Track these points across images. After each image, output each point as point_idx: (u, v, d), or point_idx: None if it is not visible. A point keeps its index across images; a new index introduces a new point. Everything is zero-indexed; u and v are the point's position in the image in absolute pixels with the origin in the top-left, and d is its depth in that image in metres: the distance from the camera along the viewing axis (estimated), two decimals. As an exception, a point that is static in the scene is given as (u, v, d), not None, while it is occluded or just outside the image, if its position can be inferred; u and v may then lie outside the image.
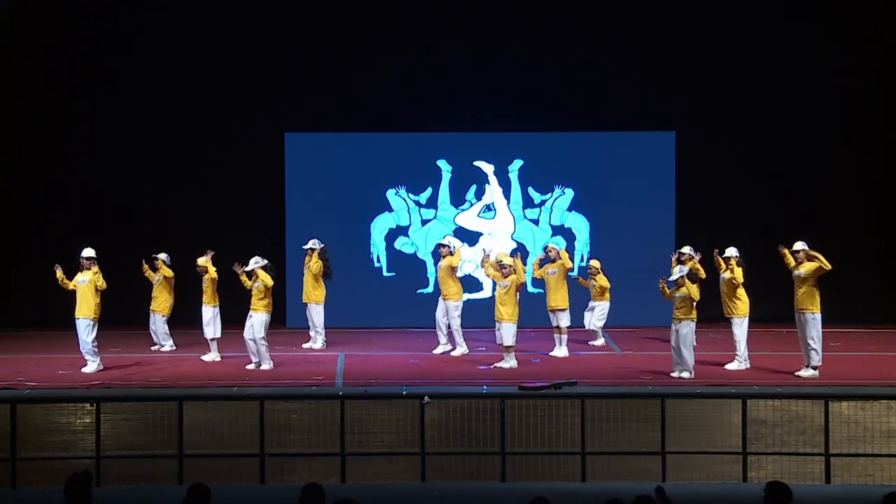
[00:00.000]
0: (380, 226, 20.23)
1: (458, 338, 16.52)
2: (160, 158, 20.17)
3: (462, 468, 13.20)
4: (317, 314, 17.40)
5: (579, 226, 20.24)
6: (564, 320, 16.61)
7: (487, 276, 16.81)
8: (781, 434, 13.14)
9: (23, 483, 12.99)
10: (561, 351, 16.61)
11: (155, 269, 17.07)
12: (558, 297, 16.64)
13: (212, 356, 16.20)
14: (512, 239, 20.18)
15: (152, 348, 17.09)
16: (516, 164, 20.23)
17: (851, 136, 20.22)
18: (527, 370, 15.36)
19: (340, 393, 13.55)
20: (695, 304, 14.57)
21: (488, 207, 20.31)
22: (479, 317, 17.87)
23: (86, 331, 15.00)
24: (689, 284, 14.54)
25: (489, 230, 20.28)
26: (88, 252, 15.30)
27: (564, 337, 16.66)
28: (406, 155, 20.30)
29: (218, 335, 16.27)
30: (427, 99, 20.02)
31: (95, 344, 15.10)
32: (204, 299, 16.33)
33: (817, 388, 13.66)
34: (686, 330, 14.50)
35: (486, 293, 19.69)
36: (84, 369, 15.06)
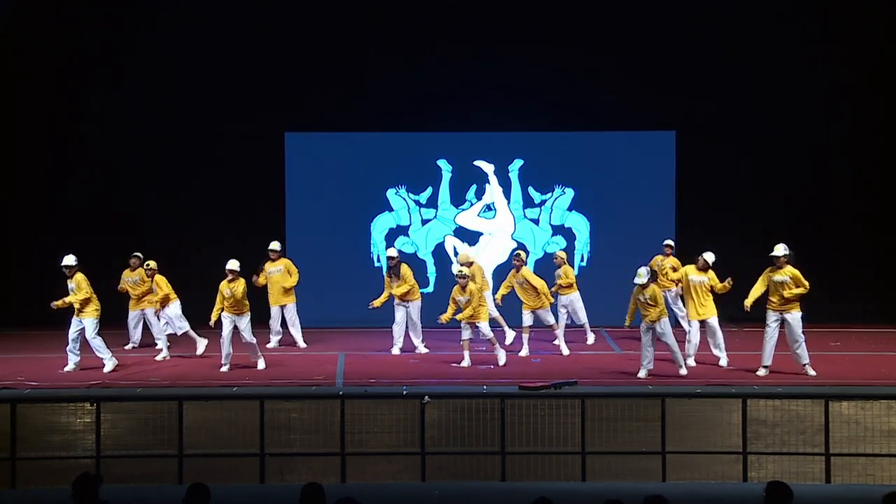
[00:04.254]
0: (380, 225, 20.23)
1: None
2: (160, 158, 20.17)
3: (462, 468, 13.21)
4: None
5: (579, 226, 20.25)
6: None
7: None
8: (781, 434, 13.15)
9: (23, 483, 13.01)
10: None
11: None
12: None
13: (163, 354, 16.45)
14: (512, 239, 20.19)
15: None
16: (516, 164, 20.24)
17: (851, 136, 20.22)
18: (527, 370, 15.37)
19: (340, 393, 13.56)
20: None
21: (488, 207, 20.31)
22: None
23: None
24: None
25: (489, 230, 20.29)
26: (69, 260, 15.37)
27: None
28: (406, 155, 20.29)
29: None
30: (427, 99, 20.01)
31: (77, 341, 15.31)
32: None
33: (817, 388, 13.68)
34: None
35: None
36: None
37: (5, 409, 13.09)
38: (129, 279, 16.97)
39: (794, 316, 14.60)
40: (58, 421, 13.16)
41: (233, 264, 15.50)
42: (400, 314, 17.01)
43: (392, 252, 17.22)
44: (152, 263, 16.68)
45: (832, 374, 14.62)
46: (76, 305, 15.21)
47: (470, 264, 16.96)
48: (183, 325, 16.63)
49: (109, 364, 15.27)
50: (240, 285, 15.45)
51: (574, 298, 17.36)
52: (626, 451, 13.19)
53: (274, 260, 17.54)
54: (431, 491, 12.88)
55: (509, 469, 13.20)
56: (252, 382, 14.42)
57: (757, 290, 14.74)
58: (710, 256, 15.57)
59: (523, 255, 17.40)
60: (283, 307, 17.49)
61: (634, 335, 17.75)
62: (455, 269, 19.29)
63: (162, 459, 13.09)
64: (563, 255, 17.68)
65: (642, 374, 14.74)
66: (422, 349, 16.99)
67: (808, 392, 13.47)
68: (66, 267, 15.33)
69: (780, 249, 14.67)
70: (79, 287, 15.24)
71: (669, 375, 14.68)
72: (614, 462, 13.19)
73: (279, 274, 17.48)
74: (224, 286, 15.45)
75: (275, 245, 17.66)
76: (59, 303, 15.41)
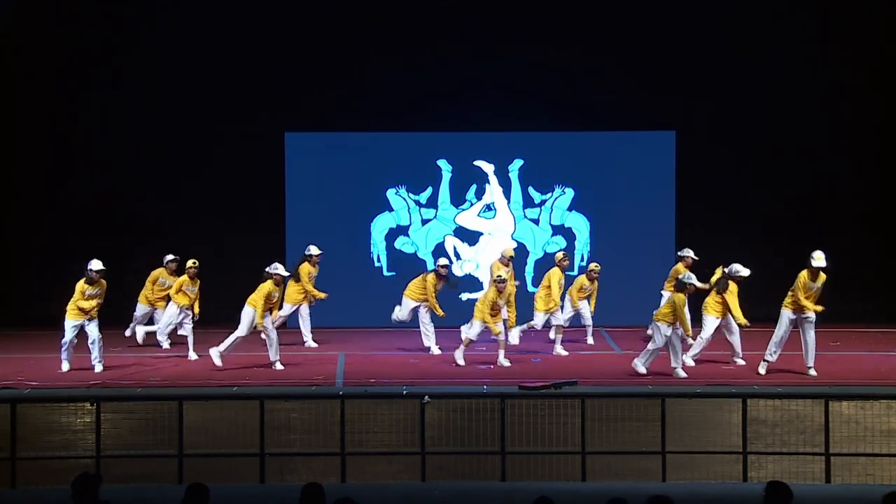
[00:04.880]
0: (380, 225, 20.23)
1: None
2: (160, 158, 20.17)
3: (462, 468, 13.21)
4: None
5: (579, 225, 20.25)
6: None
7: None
8: (781, 434, 13.15)
9: (23, 483, 13.00)
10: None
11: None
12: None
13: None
14: (512, 238, 20.18)
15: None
16: (516, 164, 20.24)
17: (852, 136, 20.22)
18: (527, 370, 15.37)
19: (340, 393, 13.55)
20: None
21: (488, 207, 20.31)
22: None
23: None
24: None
25: (489, 230, 20.29)
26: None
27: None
28: (406, 155, 20.30)
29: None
30: (427, 99, 20.01)
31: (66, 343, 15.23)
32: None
33: (817, 388, 13.68)
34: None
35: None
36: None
37: (5, 409, 13.08)
38: (168, 282, 16.93)
39: (812, 317, 14.65)
40: (58, 421, 13.15)
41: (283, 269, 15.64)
42: (425, 313, 16.96)
43: (445, 261, 17.22)
44: (196, 262, 16.66)
45: (832, 374, 14.62)
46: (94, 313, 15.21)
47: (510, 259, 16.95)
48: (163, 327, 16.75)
49: (65, 366, 15.20)
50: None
51: (586, 303, 17.49)
52: (626, 451, 13.18)
53: (316, 264, 17.51)
54: (431, 491, 12.88)
55: (509, 469, 13.20)
56: (252, 382, 14.41)
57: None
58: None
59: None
60: (299, 306, 17.51)
61: (636, 335, 17.80)
62: (456, 269, 19.31)
63: (162, 459, 13.08)
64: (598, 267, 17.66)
65: (680, 373, 14.72)
66: (436, 350, 16.92)
67: (808, 392, 13.47)
68: (99, 272, 15.20)
69: (824, 258, 14.65)
70: (103, 291, 15.24)
71: (669, 375, 14.67)
72: (614, 462, 13.18)
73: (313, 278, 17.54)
74: (275, 289, 15.44)
75: (318, 250, 17.59)
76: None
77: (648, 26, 19.93)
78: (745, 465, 13.12)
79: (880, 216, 20.25)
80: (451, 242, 20.23)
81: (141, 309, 17.34)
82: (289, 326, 17.67)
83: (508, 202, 20.29)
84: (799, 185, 20.18)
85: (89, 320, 15.10)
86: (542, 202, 20.30)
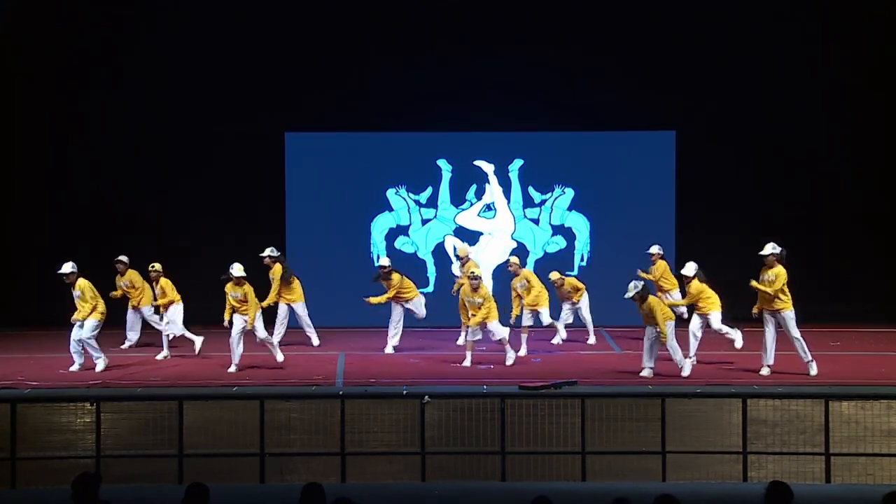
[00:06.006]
0: (380, 225, 20.24)
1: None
2: (159, 158, 20.18)
3: (462, 468, 13.21)
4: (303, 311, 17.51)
5: (579, 225, 20.26)
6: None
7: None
8: (781, 434, 13.15)
9: (23, 483, 13.00)
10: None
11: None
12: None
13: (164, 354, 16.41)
14: (512, 238, 20.20)
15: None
16: (516, 164, 20.24)
17: (851, 136, 20.22)
18: (527, 370, 15.37)
19: (340, 393, 13.56)
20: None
21: (488, 207, 20.31)
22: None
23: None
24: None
25: (489, 230, 20.29)
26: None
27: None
28: (406, 155, 20.31)
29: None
30: (427, 99, 20.01)
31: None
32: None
33: (817, 388, 13.67)
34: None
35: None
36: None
37: (5, 409, 13.08)
38: (123, 283, 16.96)
39: (785, 315, 14.59)
40: (58, 421, 13.15)
41: (238, 270, 15.45)
42: (397, 312, 16.97)
43: (384, 262, 17.17)
44: (157, 266, 16.61)
45: (832, 374, 14.62)
46: (80, 317, 15.10)
47: (467, 259, 17.07)
48: (176, 329, 16.56)
49: (100, 364, 15.19)
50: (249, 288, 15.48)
51: (584, 301, 17.57)
52: (626, 451, 13.19)
53: (271, 266, 17.33)
54: (431, 491, 12.88)
55: (509, 469, 13.20)
56: (252, 382, 14.42)
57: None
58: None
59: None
60: (290, 305, 17.37)
61: (635, 335, 17.78)
62: (455, 269, 19.32)
63: (162, 459, 13.08)
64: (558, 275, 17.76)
65: (646, 373, 14.67)
66: (388, 349, 16.91)
67: (808, 392, 13.47)
68: (65, 275, 15.19)
69: (768, 248, 14.67)
70: (83, 297, 15.12)
71: (670, 375, 14.68)
72: (614, 462, 13.18)
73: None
74: (233, 289, 15.42)
75: (263, 252, 17.18)
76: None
77: (648, 26, 19.94)
78: (745, 465, 13.13)
79: (880, 216, 20.25)
80: (451, 242, 20.23)
81: (131, 315, 17.28)
82: (290, 326, 17.61)
83: (508, 202, 20.29)
84: (799, 185, 20.18)
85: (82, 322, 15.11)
86: (542, 202, 20.31)
